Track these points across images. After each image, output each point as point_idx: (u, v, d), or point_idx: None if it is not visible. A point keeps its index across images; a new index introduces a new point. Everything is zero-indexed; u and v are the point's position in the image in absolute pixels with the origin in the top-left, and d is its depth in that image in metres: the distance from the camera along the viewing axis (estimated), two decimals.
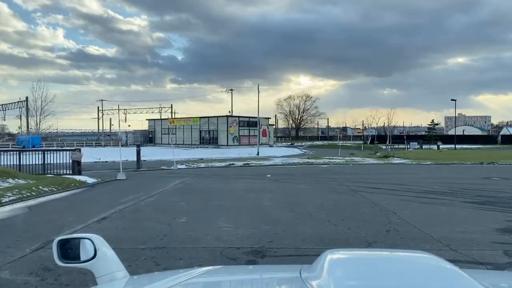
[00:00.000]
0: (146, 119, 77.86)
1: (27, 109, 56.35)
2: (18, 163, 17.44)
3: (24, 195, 11.62)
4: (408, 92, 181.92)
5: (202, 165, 25.38)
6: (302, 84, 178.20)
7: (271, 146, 63.73)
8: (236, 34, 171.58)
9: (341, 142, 54.97)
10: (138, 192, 12.46)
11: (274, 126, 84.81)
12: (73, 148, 22.25)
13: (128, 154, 25.71)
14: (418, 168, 23.17)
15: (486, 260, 5.34)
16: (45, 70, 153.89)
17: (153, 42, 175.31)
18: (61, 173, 17.14)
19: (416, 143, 58.32)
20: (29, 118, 55.46)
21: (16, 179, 14.06)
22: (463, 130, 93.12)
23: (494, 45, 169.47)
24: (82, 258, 1.79)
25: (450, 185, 13.91)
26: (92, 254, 1.76)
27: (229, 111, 69.80)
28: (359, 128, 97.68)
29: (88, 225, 7.80)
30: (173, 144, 35.12)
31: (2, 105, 66.27)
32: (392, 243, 6.30)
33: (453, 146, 56.57)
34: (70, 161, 17.59)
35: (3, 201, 10.67)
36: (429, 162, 26.93)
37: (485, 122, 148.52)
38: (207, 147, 58.64)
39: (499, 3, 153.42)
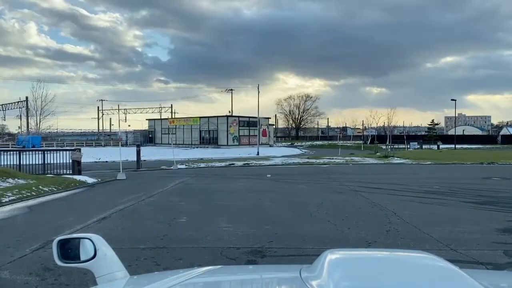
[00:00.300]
0: (146, 119, 77.96)
1: (27, 109, 56.34)
2: (18, 163, 17.44)
3: (24, 195, 11.62)
4: (408, 92, 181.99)
5: (202, 165, 25.37)
6: (293, 83, 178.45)
7: (271, 146, 63.71)
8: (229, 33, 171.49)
9: (341, 142, 54.94)
10: (138, 192, 12.46)
11: (274, 126, 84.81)
12: (73, 148, 22.26)
13: (128, 154, 25.70)
14: (418, 168, 23.17)
15: (486, 260, 5.34)
16: (43, 71, 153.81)
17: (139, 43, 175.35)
18: (61, 173, 17.14)
19: (416, 143, 58.32)
20: (29, 118, 55.46)
21: (16, 179, 14.06)
22: (463, 130, 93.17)
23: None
24: (82, 258, 1.79)
25: (450, 185, 13.91)
26: (92, 254, 1.76)
27: (229, 111, 69.84)
28: (359, 128, 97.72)
29: (88, 225, 7.80)
30: (173, 144, 35.10)
31: (2, 105, 66.34)
32: (392, 243, 6.30)
33: (453, 146, 56.55)
34: (70, 161, 17.58)
35: (3, 201, 10.67)
36: (429, 162, 26.93)
37: (485, 122, 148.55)
38: (207, 147, 58.64)
39: None
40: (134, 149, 23.67)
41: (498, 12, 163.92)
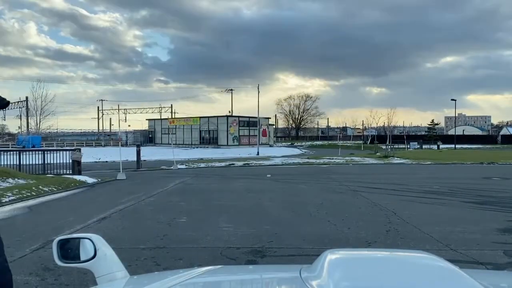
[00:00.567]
0: (146, 119, 78.02)
1: (27, 109, 56.34)
2: (18, 163, 17.44)
3: (24, 195, 11.62)
4: (408, 92, 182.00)
5: (202, 165, 25.38)
6: (293, 83, 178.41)
7: (271, 146, 63.71)
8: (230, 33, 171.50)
9: (341, 142, 54.93)
10: (138, 192, 12.46)
11: (274, 126, 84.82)
12: (73, 148, 22.26)
13: (128, 154, 25.70)
14: (418, 168, 23.18)
15: (486, 260, 5.34)
16: (43, 71, 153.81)
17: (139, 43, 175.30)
18: (61, 173, 17.14)
19: (416, 143, 58.35)
20: (29, 118, 55.47)
21: (16, 179, 14.05)
22: (463, 130, 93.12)
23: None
24: (82, 258, 1.79)
25: (450, 185, 13.91)
26: (92, 254, 1.76)
27: (229, 111, 69.84)
28: (359, 128, 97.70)
29: (88, 225, 7.80)
30: (173, 144, 35.09)
31: None
32: (392, 243, 6.31)
33: (453, 146, 56.58)
34: (70, 161, 17.59)
35: (3, 201, 10.67)
36: (429, 162, 26.93)
37: (485, 122, 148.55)
38: (207, 147, 58.64)
39: None
40: (134, 149, 23.68)
41: (498, 12, 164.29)
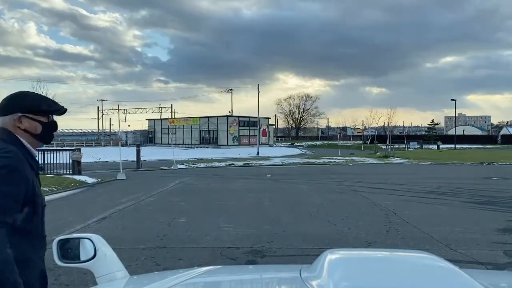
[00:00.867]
0: (146, 119, 77.95)
1: None
2: None
3: None
4: (408, 92, 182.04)
5: (202, 165, 25.38)
6: (293, 83, 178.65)
7: (271, 146, 63.70)
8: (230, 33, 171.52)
9: (341, 142, 54.92)
10: (138, 192, 12.46)
11: (274, 126, 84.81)
12: (73, 148, 22.24)
13: (128, 154, 25.70)
14: (418, 168, 23.17)
15: (486, 260, 5.35)
16: (43, 71, 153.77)
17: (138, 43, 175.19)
18: (61, 173, 17.14)
19: (416, 143, 58.30)
20: None
21: None
22: (463, 130, 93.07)
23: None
24: (82, 258, 1.79)
25: (450, 185, 13.91)
26: (92, 254, 1.76)
27: (229, 111, 69.83)
28: (359, 128, 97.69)
29: (88, 225, 7.80)
30: (173, 144, 35.09)
31: None
32: (392, 243, 6.31)
33: (453, 146, 56.54)
34: (70, 161, 17.58)
35: None
36: (429, 162, 26.93)
37: (485, 122, 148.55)
38: (207, 147, 58.63)
39: None
40: (134, 149, 23.67)
41: (498, 12, 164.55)
